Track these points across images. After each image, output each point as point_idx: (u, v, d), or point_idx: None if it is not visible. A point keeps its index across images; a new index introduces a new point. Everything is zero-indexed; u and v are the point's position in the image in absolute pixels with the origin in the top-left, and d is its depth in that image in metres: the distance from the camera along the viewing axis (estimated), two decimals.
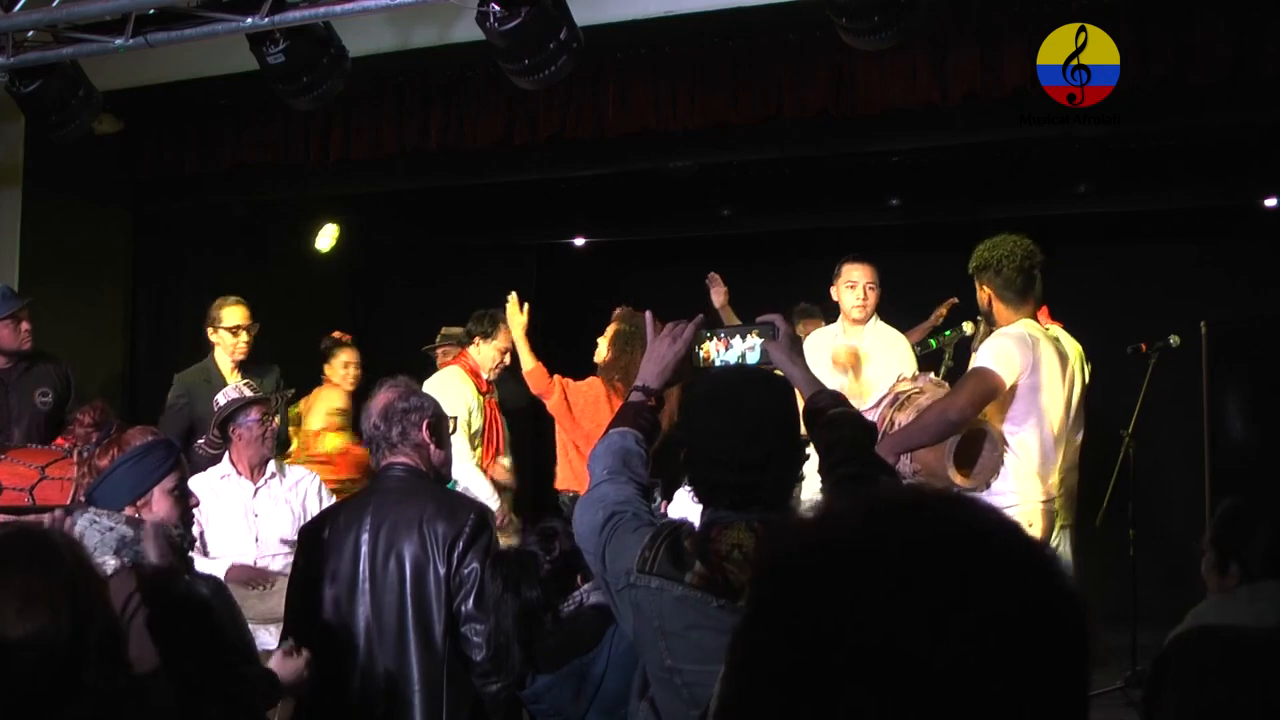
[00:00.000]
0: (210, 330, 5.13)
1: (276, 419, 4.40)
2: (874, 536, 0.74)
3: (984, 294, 3.85)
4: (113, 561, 2.42)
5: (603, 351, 4.93)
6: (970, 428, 3.59)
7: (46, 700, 1.66)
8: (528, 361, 4.93)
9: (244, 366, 5.10)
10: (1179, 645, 2.06)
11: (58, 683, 1.67)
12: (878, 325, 4.74)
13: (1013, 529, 0.76)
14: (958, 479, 3.54)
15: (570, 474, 4.97)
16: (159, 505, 2.62)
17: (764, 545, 0.80)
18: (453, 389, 5.08)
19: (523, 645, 2.52)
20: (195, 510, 2.81)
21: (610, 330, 5.06)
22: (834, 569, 0.72)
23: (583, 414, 4.93)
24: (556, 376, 5.00)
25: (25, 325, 4.75)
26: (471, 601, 2.85)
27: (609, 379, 4.96)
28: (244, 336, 5.06)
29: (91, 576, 1.90)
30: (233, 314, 5.09)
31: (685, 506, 3.02)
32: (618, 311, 5.12)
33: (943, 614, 0.68)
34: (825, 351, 4.64)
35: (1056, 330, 3.99)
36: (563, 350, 6.14)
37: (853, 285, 4.66)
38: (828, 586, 0.72)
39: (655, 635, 1.95)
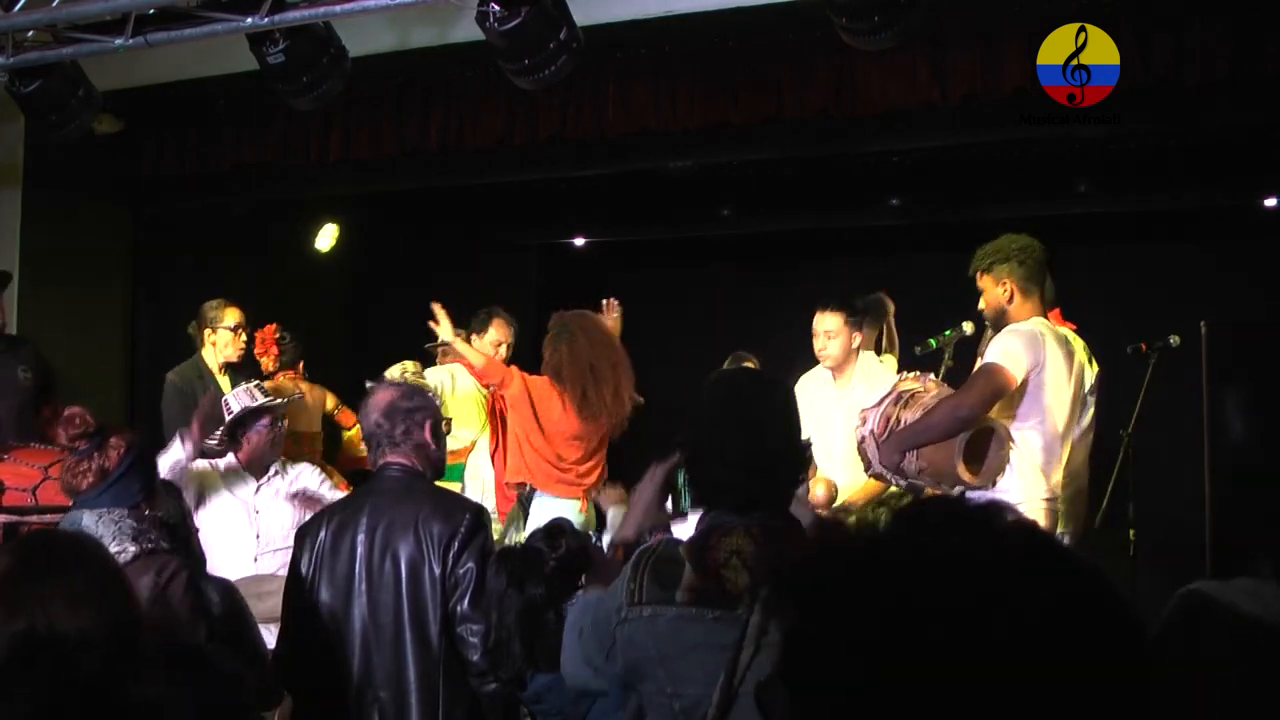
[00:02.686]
0: (208, 330, 5.15)
1: (285, 422, 4.41)
2: (918, 550, 0.81)
3: (1003, 288, 3.81)
4: (132, 548, 2.49)
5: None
6: (978, 426, 3.58)
7: (96, 694, 1.67)
8: (477, 357, 4.78)
9: (229, 368, 5.14)
10: (1184, 599, 2.06)
11: (105, 677, 1.68)
12: (867, 365, 4.60)
13: (1045, 534, 0.84)
14: (966, 476, 3.51)
15: (523, 466, 4.80)
16: (159, 500, 2.76)
17: (806, 563, 0.88)
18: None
19: (524, 643, 2.52)
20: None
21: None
22: (885, 583, 0.79)
23: (540, 406, 4.77)
24: (514, 366, 4.87)
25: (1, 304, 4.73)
26: (467, 602, 2.84)
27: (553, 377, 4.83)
28: (244, 336, 5.11)
29: (121, 573, 1.93)
30: (234, 314, 5.15)
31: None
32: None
33: (990, 617, 0.74)
34: (812, 398, 4.48)
35: (1065, 331, 3.98)
36: None
37: (814, 335, 4.57)
38: (878, 600, 0.78)
39: (654, 665, 1.93)
